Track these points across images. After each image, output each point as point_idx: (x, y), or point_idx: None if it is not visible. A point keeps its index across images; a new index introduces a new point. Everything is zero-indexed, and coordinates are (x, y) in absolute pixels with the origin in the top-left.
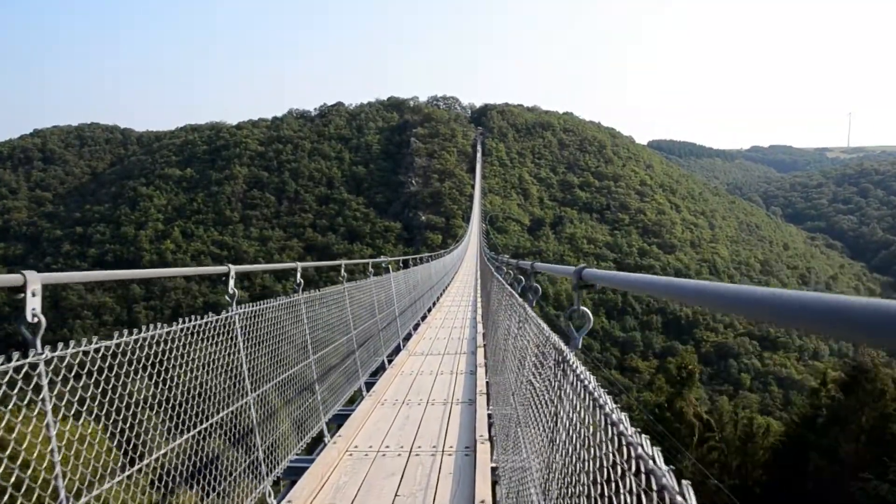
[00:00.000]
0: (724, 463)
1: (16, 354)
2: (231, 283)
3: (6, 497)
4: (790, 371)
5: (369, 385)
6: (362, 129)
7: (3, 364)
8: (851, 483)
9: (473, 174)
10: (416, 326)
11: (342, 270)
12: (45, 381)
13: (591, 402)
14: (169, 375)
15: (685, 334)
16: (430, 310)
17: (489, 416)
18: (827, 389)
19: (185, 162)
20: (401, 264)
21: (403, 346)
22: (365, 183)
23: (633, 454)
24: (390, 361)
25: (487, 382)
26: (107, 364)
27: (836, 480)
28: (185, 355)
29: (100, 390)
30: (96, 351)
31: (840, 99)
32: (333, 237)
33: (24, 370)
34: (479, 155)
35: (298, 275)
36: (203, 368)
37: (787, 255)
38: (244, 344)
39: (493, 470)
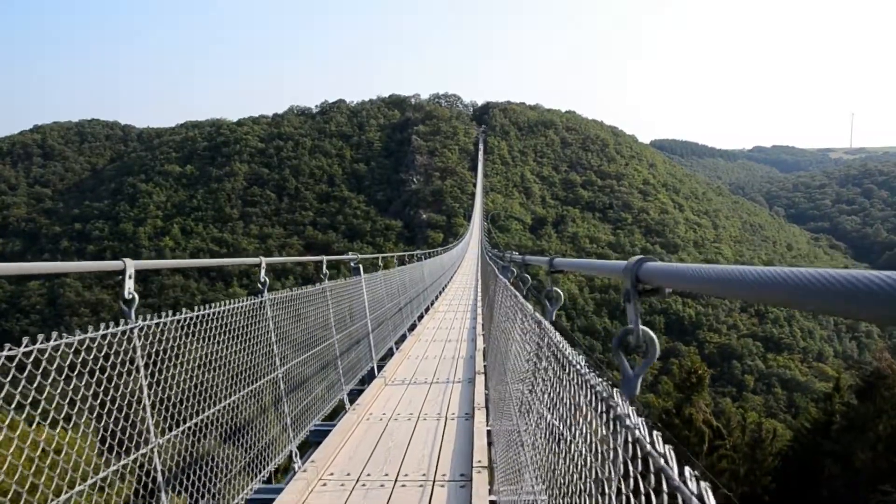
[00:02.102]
0: (734, 471)
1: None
2: None
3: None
4: (794, 373)
5: (318, 438)
6: (363, 127)
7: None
8: (871, 495)
9: (475, 172)
10: (402, 339)
11: (261, 272)
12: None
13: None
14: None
15: (688, 335)
16: (421, 317)
17: None
18: (840, 395)
19: (186, 158)
20: (381, 262)
21: (379, 371)
22: (366, 180)
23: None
24: (355, 398)
25: (489, 431)
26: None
27: (851, 489)
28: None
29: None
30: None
31: (842, 99)
32: (334, 235)
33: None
34: (480, 153)
35: (128, 286)
36: None
37: (791, 255)
38: None
39: None
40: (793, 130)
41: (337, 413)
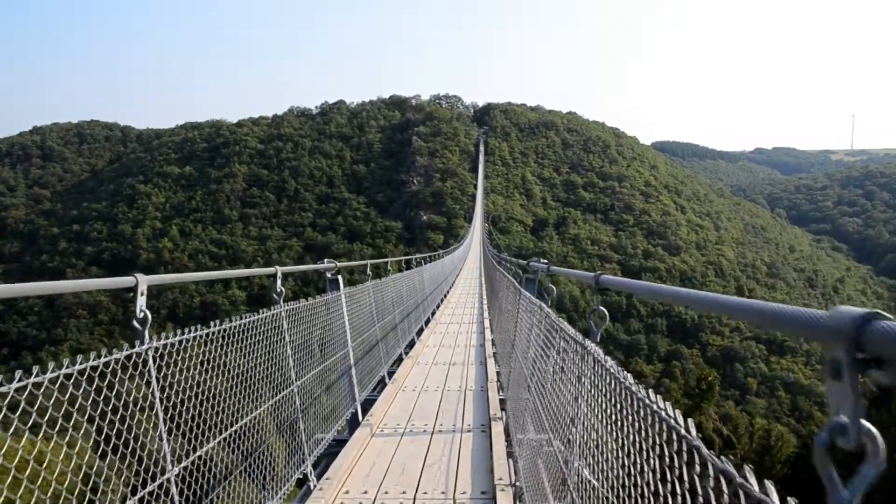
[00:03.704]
0: None
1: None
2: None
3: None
4: (798, 376)
5: None
6: (364, 128)
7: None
8: None
9: (476, 174)
10: (399, 361)
11: (138, 302)
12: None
13: None
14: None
15: (690, 338)
16: (420, 331)
17: None
18: None
19: (185, 160)
20: (369, 272)
21: (365, 413)
22: (366, 182)
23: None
24: (333, 456)
25: None
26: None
27: (866, 501)
28: None
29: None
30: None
31: (843, 101)
32: (333, 237)
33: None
34: (481, 154)
35: None
36: None
37: (794, 257)
38: None
39: None
40: (794, 132)
41: (302, 486)
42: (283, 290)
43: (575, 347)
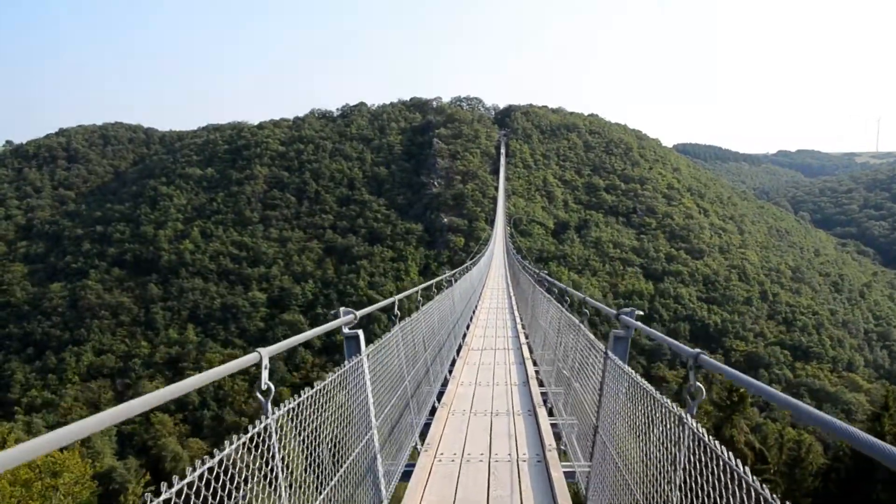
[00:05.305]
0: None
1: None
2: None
3: None
4: (823, 382)
5: None
6: (384, 130)
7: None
8: None
9: (497, 176)
10: (431, 411)
11: None
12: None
13: None
14: None
15: (714, 343)
16: (452, 363)
17: None
18: (891, 414)
19: (206, 161)
20: (396, 312)
21: None
22: (386, 184)
23: None
24: None
25: None
26: None
27: None
28: None
29: None
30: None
31: (868, 103)
32: (354, 239)
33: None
34: (502, 156)
35: None
36: None
37: (819, 261)
38: None
39: None
40: (817, 134)
41: None
42: (272, 386)
43: None
